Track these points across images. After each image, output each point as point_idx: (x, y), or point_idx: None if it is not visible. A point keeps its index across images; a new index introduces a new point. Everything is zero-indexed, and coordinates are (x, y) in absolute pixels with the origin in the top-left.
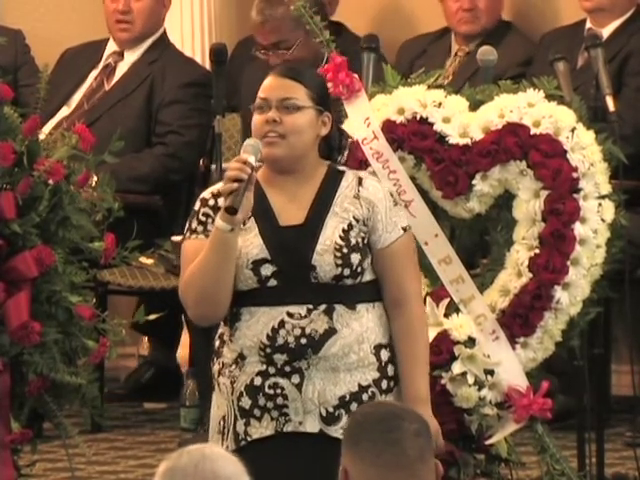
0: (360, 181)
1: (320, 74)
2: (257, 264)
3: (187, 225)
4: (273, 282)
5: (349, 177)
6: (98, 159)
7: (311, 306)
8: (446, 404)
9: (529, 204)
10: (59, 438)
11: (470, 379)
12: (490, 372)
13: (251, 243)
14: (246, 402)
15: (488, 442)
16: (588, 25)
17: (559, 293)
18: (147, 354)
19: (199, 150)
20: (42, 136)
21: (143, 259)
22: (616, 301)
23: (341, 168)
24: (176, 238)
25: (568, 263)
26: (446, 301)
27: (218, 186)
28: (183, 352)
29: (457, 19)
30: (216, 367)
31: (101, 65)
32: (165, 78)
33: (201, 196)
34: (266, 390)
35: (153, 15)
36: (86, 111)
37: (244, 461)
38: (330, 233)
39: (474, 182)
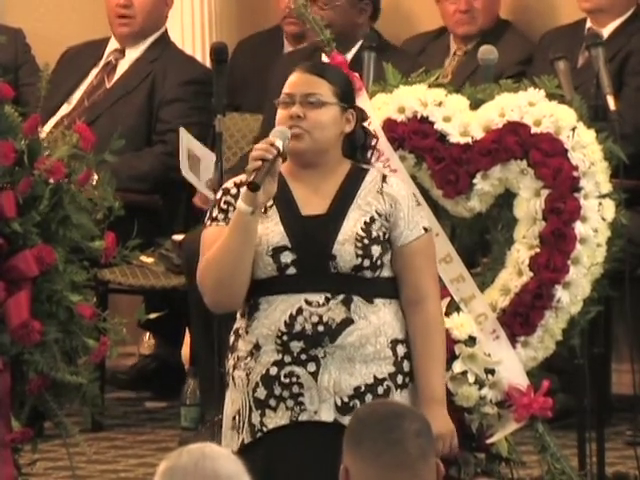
0: (384, 178)
1: (345, 72)
2: (277, 251)
3: (207, 214)
4: (292, 270)
5: (373, 173)
6: (99, 158)
7: (329, 295)
8: (447, 403)
9: (530, 203)
10: (60, 437)
11: (471, 378)
12: (491, 371)
13: (272, 231)
14: (261, 392)
15: (489, 441)
16: (588, 24)
17: (560, 292)
18: (150, 352)
19: None
20: (43, 134)
21: (144, 258)
22: (617, 300)
23: (365, 166)
24: (177, 237)
25: (569, 262)
26: (447, 300)
27: (240, 177)
28: (186, 350)
29: (454, 21)
30: (231, 362)
31: (102, 63)
32: (166, 76)
33: (223, 186)
34: (282, 379)
35: (155, 11)
36: (86, 109)
37: (260, 452)
38: (352, 224)
39: (475, 181)
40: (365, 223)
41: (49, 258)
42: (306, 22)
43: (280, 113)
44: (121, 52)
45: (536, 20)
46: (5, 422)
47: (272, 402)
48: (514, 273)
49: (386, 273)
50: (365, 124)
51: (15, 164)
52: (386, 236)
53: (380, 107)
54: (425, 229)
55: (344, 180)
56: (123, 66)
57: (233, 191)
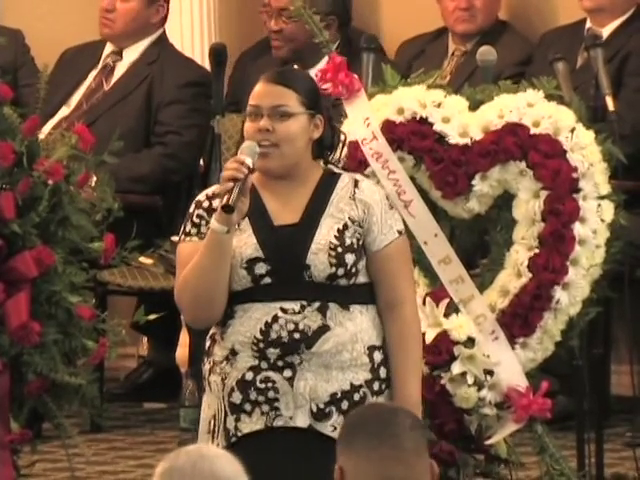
0: (356, 183)
1: (310, 77)
2: (251, 263)
3: (182, 228)
4: (267, 280)
5: (345, 179)
6: (98, 159)
7: (305, 302)
8: (446, 404)
9: (529, 204)
10: (59, 438)
11: (470, 379)
12: (490, 372)
13: (245, 243)
14: (237, 397)
15: (488, 442)
16: (588, 25)
17: (559, 293)
18: (146, 354)
19: (198, 150)
20: (42, 136)
21: (143, 259)
22: (616, 301)
23: (337, 171)
24: (175, 238)
25: (568, 263)
26: (446, 301)
27: (213, 188)
28: (182, 352)
29: (454, 18)
30: (207, 366)
31: (100, 65)
32: (164, 78)
33: (196, 199)
34: (257, 384)
35: (138, 18)
36: (85, 111)
37: (235, 457)
38: (325, 232)
39: (474, 182)
40: (338, 230)
41: (48, 259)
42: (305, 22)
43: (248, 125)
44: (118, 54)
45: (535, 21)
46: (4, 423)
47: (247, 407)
48: (513, 274)
49: (362, 279)
50: (335, 124)
51: (14, 165)
52: (360, 242)
53: (379, 108)
54: (399, 232)
55: (316, 188)
56: (121, 68)
57: (205, 204)
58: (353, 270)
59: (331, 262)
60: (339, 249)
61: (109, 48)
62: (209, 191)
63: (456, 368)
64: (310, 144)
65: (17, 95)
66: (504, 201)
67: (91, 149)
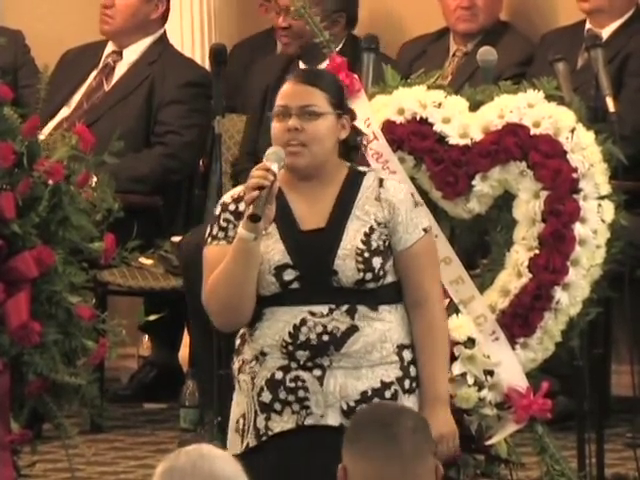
0: (381, 182)
1: (337, 77)
2: (279, 270)
3: (208, 230)
4: (295, 285)
5: (370, 178)
6: (98, 159)
7: (333, 306)
8: None
9: (529, 205)
10: (59, 439)
11: (470, 380)
12: (490, 373)
13: (273, 249)
14: (267, 396)
15: (488, 443)
16: (588, 25)
17: (559, 293)
18: (149, 354)
19: (198, 150)
20: (42, 137)
21: (143, 259)
22: (616, 301)
23: (362, 169)
24: (176, 238)
25: (568, 263)
26: (446, 302)
27: (238, 190)
28: (184, 352)
29: (455, 17)
30: (236, 365)
31: (100, 65)
32: (165, 78)
33: (221, 201)
34: (287, 384)
35: (137, 14)
36: (86, 111)
37: (265, 456)
38: (352, 237)
39: (474, 182)
40: (365, 234)
41: (48, 259)
42: (306, 23)
43: (275, 126)
44: (118, 54)
45: (536, 21)
46: (4, 423)
47: (277, 406)
48: (513, 274)
49: (389, 279)
50: (356, 124)
51: (14, 165)
52: (386, 243)
53: (379, 109)
54: (425, 230)
55: (341, 189)
56: (121, 68)
57: (232, 207)
58: (381, 273)
59: (359, 267)
60: (366, 254)
61: (110, 48)
62: (234, 193)
63: (456, 368)
64: (337, 144)
65: (17, 95)
66: (504, 201)
67: (91, 149)
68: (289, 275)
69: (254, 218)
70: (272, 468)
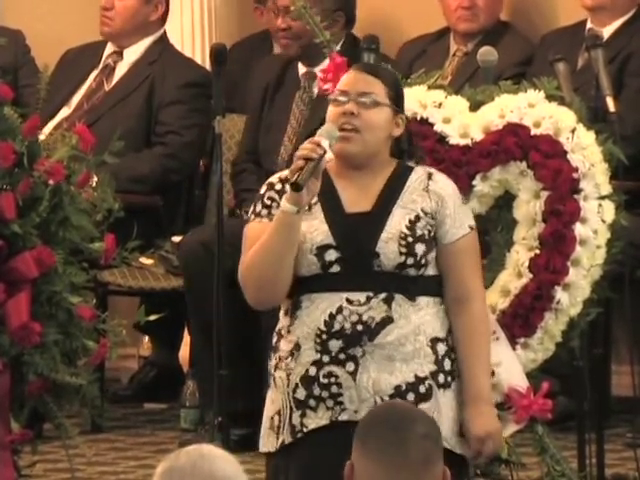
0: (430, 175)
1: (397, 75)
2: (322, 250)
3: (251, 208)
4: (336, 268)
5: (419, 171)
6: (98, 159)
7: (371, 294)
8: None
9: (529, 205)
10: (59, 439)
11: None
12: (490, 372)
13: (316, 229)
14: (301, 393)
15: None
16: (589, 25)
17: (559, 294)
18: (149, 354)
19: (199, 150)
20: (42, 137)
21: (143, 259)
22: (616, 301)
23: (410, 164)
24: (176, 238)
25: (568, 264)
26: None
27: (285, 172)
28: (184, 352)
29: (456, 17)
30: (273, 362)
31: (101, 65)
32: (165, 78)
33: (268, 181)
34: (321, 379)
35: (137, 15)
36: (86, 111)
37: (301, 452)
38: (396, 222)
39: (474, 183)
40: (410, 221)
41: (49, 260)
42: (306, 23)
43: (332, 110)
44: (119, 54)
45: (536, 21)
46: (5, 423)
47: (312, 402)
48: (514, 275)
49: (431, 271)
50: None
51: (15, 165)
52: (431, 234)
53: None
54: (471, 227)
55: (389, 178)
56: (122, 68)
57: (278, 186)
58: (423, 261)
59: (401, 251)
60: (409, 239)
61: (110, 48)
62: (282, 174)
63: None
64: (390, 140)
65: (17, 95)
66: (505, 201)
67: (92, 149)
68: (331, 256)
69: (296, 187)
70: (307, 464)
